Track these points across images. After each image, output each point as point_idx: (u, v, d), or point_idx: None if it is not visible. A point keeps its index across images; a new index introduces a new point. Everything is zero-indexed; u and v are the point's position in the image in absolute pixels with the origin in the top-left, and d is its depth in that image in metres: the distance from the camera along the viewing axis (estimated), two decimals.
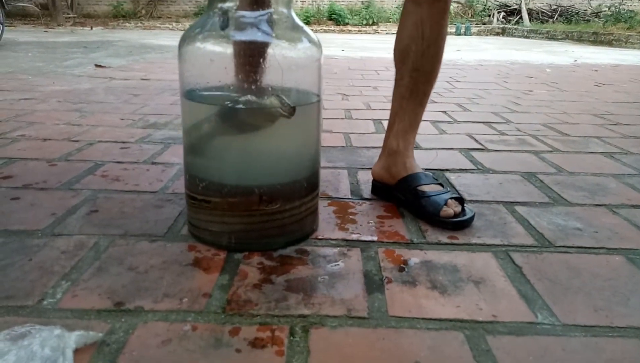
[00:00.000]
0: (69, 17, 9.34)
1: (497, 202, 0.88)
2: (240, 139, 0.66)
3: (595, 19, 9.50)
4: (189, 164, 0.69)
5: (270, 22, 0.64)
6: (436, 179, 0.85)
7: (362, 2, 10.88)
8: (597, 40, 6.70)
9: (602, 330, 0.53)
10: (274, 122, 0.64)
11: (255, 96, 0.64)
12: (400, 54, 0.82)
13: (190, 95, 0.65)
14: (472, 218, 0.78)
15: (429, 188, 0.81)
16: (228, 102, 0.65)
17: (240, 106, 0.64)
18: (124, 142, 1.23)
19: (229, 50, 0.62)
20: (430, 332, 0.52)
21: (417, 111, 0.85)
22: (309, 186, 0.70)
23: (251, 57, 0.62)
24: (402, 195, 0.84)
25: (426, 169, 1.05)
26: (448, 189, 0.83)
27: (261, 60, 0.62)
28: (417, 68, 0.80)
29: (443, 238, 0.73)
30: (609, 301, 0.58)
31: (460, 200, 0.80)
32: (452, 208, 0.77)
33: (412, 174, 0.84)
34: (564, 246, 0.72)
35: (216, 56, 0.63)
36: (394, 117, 0.86)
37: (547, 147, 1.28)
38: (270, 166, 0.66)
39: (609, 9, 8.99)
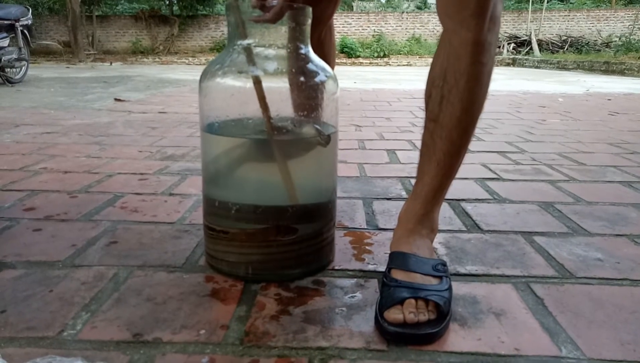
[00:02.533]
0: (90, 54, 9.70)
1: (515, 232, 0.87)
2: (261, 171, 0.67)
3: (606, 49, 9.56)
4: (209, 195, 0.70)
5: (289, 57, 0.66)
6: (438, 271, 0.61)
7: (373, 35, 11.13)
8: (608, 69, 6.72)
9: None
10: (309, 152, 0.65)
11: (287, 126, 0.66)
12: (425, 95, 0.64)
13: (211, 128, 0.67)
14: (428, 336, 0.54)
15: (403, 276, 0.60)
16: (261, 133, 0.66)
17: (281, 136, 0.66)
18: (142, 174, 1.25)
19: (248, 84, 0.64)
20: None
21: (432, 175, 0.64)
22: (326, 215, 0.70)
23: (291, 89, 0.64)
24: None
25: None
26: (440, 287, 0.59)
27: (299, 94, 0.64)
28: (434, 118, 0.62)
29: (461, 268, 0.73)
30: (635, 335, 0.56)
31: (439, 307, 0.56)
32: (407, 312, 0.55)
33: (397, 253, 0.63)
34: (585, 278, 0.70)
35: (236, 90, 0.65)
36: (417, 177, 0.68)
37: (564, 176, 1.27)
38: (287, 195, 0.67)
39: (620, 39, 9.05)
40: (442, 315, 0.56)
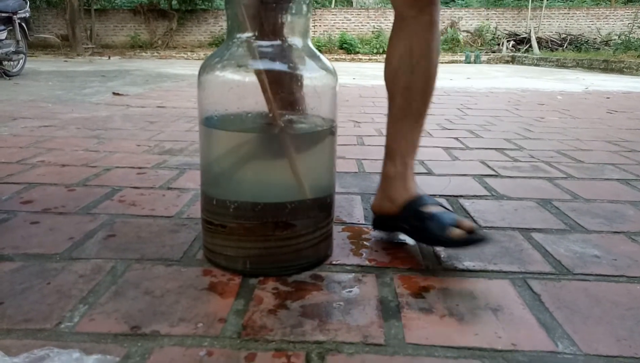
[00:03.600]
0: (88, 48, 9.65)
1: (513, 229, 0.88)
2: (260, 168, 0.67)
3: (605, 47, 9.56)
4: (207, 193, 0.70)
5: (288, 51, 0.66)
6: (441, 205, 0.77)
7: (372, 31, 11.10)
8: (607, 68, 6.72)
9: (625, 360, 0.51)
10: (314, 145, 0.66)
11: (291, 120, 0.67)
12: (390, 73, 0.78)
13: (209, 122, 0.67)
14: (486, 237, 0.70)
15: (434, 209, 0.74)
16: (260, 127, 0.66)
17: (293, 131, 0.67)
18: (140, 168, 1.25)
19: (247, 78, 0.64)
20: (449, 360, 0.51)
21: (413, 132, 0.79)
22: (324, 210, 0.70)
23: (270, 84, 0.63)
24: (406, 224, 0.76)
25: (440, 196, 1.05)
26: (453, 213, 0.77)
27: (278, 88, 0.64)
28: (408, 86, 0.76)
29: (459, 264, 0.73)
30: (631, 331, 0.57)
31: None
32: (465, 225, 0.70)
33: (415, 197, 0.77)
34: (582, 274, 0.71)
35: (235, 84, 0.64)
36: (391, 143, 0.81)
37: (562, 173, 1.28)
38: (287, 190, 0.67)
39: (619, 37, 9.05)
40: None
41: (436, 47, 0.76)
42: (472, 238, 0.69)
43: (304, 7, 0.66)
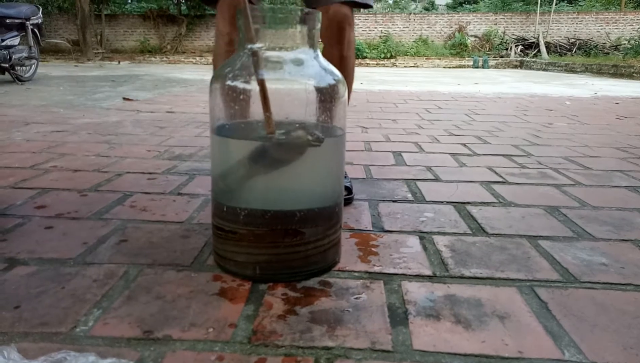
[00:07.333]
0: (98, 53, 9.77)
1: (520, 236, 0.88)
2: (270, 176, 0.68)
3: (615, 52, 9.50)
4: (217, 199, 0.71)
5: (297, 61, 0.67)
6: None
7: (380, 36, 11.12)
8: (617, 73, 6.68)
9: None
10: (303, 154, 0.66)
11: (283, 130, 0.67)
12: None
13: (220, 130, 0.68)
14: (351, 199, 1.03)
15: None
16: (257, 138, 0.67)
17: (270, 142, 0.67)
18: (151, 173, 1.26)
19: (257, 88, 0.65)
20: None
21: None
22: (333, 218, 0.71)
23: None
24: None
25: (447, 202, 1.06)
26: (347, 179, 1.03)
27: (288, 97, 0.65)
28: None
29: (466, 271, 0.73)
30: (638, 340, 0.57)
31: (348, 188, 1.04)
32: None
33: None
34: (589, 282, 0.71)
35: (246, 93, 0.66)
36: None
37: (570, 180, 1.27)
38: (297, 199, 0.68)
39: (629, 42, 8.99)
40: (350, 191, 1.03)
41: (346, 69, 1.09)
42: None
43: (317, 18, 0.67)
